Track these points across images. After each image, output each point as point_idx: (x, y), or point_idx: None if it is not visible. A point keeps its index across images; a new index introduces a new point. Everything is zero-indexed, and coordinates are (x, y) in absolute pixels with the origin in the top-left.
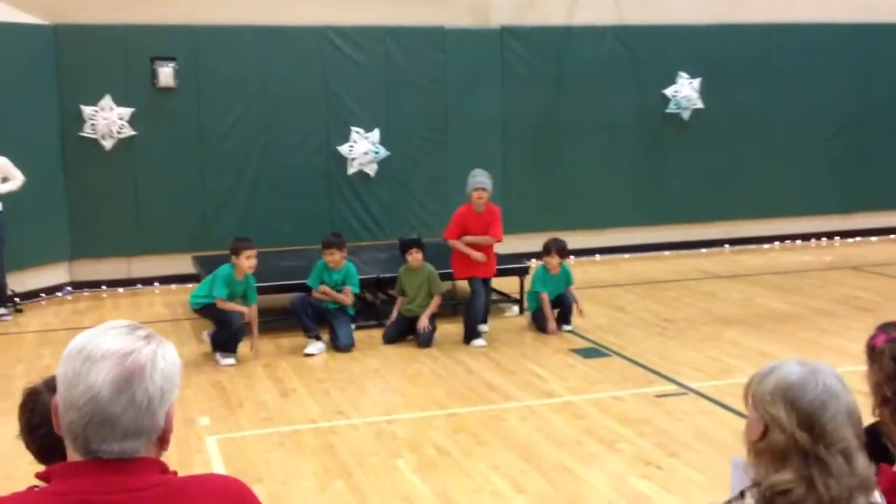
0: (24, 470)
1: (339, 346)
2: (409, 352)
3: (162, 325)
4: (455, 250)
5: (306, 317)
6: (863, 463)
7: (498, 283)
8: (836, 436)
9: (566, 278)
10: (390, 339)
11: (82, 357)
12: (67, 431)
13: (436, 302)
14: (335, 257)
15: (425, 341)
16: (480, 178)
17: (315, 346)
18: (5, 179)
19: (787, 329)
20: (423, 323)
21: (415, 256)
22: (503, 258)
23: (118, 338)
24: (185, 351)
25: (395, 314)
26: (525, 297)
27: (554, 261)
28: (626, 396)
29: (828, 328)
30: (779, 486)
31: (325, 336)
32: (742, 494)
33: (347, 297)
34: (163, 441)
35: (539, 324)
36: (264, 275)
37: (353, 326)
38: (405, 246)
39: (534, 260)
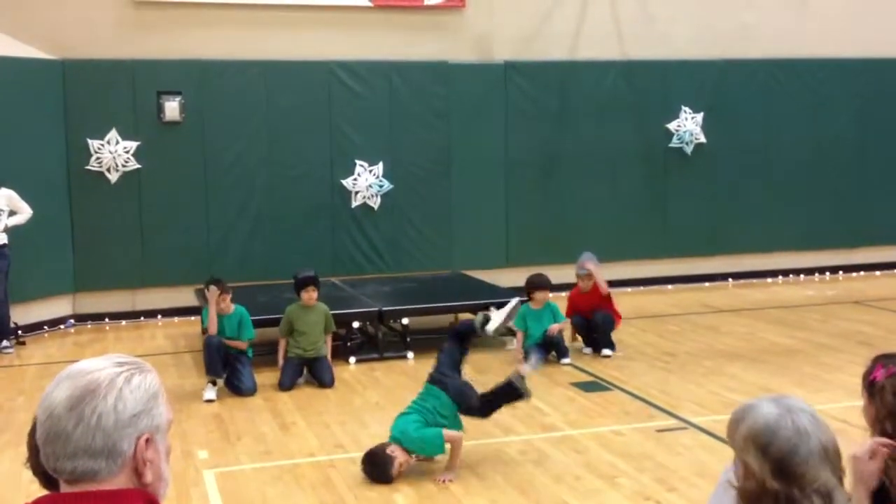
0: (21, 501)
1: (243, 389)
2: (409, 385)
3: (163, 358)
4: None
5: (216, 360)
6: (841, 500)
7: None
8: (810, 477)
9: (553, 317)
10: (289, 385)
11: (56, 380)
12: (40, 449)
13: (329, 340)
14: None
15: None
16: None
17: (214, 391)
18: (13, 213)
19: (790, 364)
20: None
21: (311, 295)
22: (505, 292)
23: (93, 362)
24: (185, 384)
25: (282, 360)
26: None
27: (542, 296)
28: (626, 431)
29: (830, 363)
30: None
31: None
32: None
33: (242, 343)
34: (137, 473)
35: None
36: (267, 307)
37: (252, 369)
38: (302, 283)
39: None
